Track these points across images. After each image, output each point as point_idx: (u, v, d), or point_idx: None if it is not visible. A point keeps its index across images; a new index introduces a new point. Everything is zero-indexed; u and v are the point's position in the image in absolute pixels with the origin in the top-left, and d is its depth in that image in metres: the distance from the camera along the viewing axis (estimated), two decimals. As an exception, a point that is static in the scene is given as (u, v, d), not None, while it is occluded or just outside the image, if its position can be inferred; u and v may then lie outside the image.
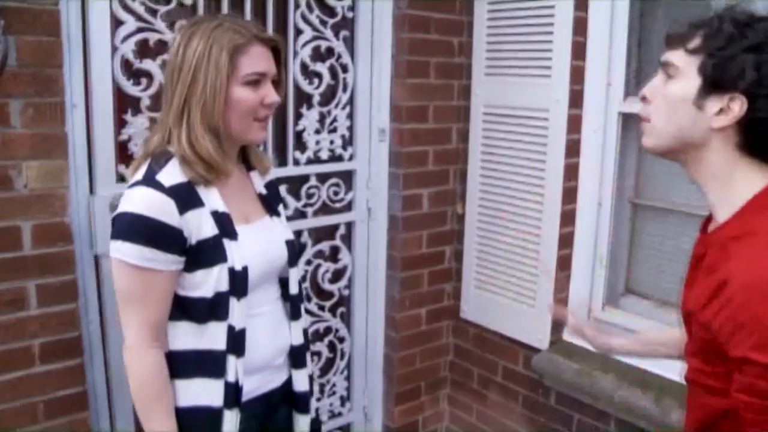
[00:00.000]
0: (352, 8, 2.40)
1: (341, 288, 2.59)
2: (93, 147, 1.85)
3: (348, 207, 2.55)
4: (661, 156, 1.19)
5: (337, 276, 2.57)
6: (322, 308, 2.54)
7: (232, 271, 1.39)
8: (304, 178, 2.40)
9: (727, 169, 1.10)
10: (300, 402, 1.62)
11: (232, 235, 1.41)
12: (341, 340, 2.64)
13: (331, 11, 2.35)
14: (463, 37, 2.59)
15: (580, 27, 2.25)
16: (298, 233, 2.40)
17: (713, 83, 1.07)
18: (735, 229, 1.08)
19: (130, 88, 1.91)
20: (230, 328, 1.41)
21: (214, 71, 1.35)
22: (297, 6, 2.25)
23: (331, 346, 2.61)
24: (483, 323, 2.68)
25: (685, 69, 1.10)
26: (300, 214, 2.41)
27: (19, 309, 1.74)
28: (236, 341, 1.41)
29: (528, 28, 2.37)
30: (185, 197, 1.36)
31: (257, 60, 1.40)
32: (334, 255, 2.56)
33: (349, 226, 2.57)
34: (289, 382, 1.61)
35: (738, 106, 1.05)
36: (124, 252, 1.32)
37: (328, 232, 2.53)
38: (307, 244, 2.45)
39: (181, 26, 1.49)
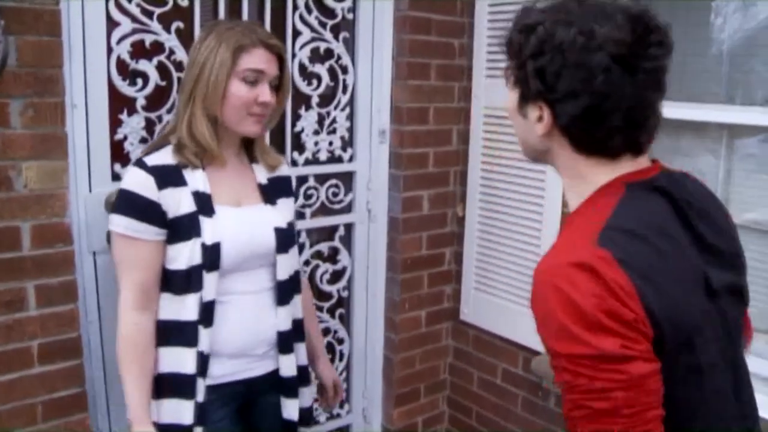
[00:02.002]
0: (352, 10, 2.40)
1: (340, 289, 2.59)
2: (89, 146, 1.86)
3: (348, 208, 2.54)
4: (534, 162, 1.20)
5: (336, 277, 2.57)
6: (320, 309, 2.54)
7: (203, 246, 1.51)
8: (303, 179, 2.40)
9: (574, 169, 1.06)
10: (286, 387, 1.68)
11: (209, 212, 1.54)
12: (340, 341, 2.63)
13: (330, 13, 2.35)
14: (464, 39, 2.59)
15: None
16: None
17: (522, 94, 1.05)
18: (567, 220, 1.07)
19: (126, 89, 1.91)
20: (200, 299, 1.53)
21: (218, 66, 1.52)
22: (296, 7, 2.25)
23: (330, 348, 2.60)
24: (483, 325, 2.67)
25: (509, 80, 1.09)
26: (298, 215, 2.41)
27: (17, 310, 1.73)
28: (204, 312, 1.53)
29: (528, 30, 2.37)
30: (167, 176, 1.52)
31: (257, 59, 1.55)
32: (333, 256, 2.55)
33: (349, 227, 2.57)
34: (278, 372, 1.67)
35: (546, 114, 1.02)
36: (115, 223, 1.51)
37: (328, 233, 2.53)
38: (306, 244, 2.45)
39: (204, 28, 1.65)
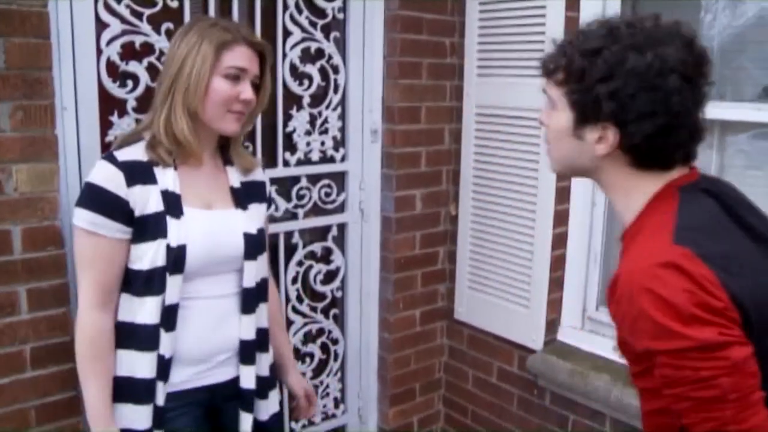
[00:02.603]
0: (342, 9, 2.39)
1: (334, 290, 2.58)
2: (80, 149, 1.84)
3: (340, 208, 2.54)
4: (571, 177, 1.24)
5: (329, 277, 2.56)
6: (314, 310, 2.53)
7: (168, 247, 1.48)
8: (295, 180, 2.39)
9: (625, 184, 1.13)
10: (244, 400, 1.65)
11: (176, 213, 1.51)
12: (334, 341, 2.63)
13: (321, 12, 2.34)
14: (455, 38, 2.59)
15: (571, 27, 2.24)
16: (288, 234, 2.39)
17: (583, 115, 1.09)
18: (633, 229, 1.12)
19: (116, 90, 1.90)
20: (162, 303, 1.50)
21: (200, 61, 1.49)
22: (286, 7, 2.24)
23: (324, 348, 2.60)
24: (477, 324, 2.68)
25: (559, 102, 1.13)
26: (291, 216, 2.40)
27: (9, 314, 1.72)
28: (166, 316, 1.51)
29: (520, 28, 2.37)
30: (137, 172, 1.49)
31: (240, 57, 1.53)
32: (326, 256, 2.55)
33: (342, 227, 2.57)
34: (240, 386, 1.64)
35: (612, 134, 1.07)
36: (78, 216, 1.47)
37: (321, 233, 2.53)
38: (299, 245, 2.44)
39: (184, 24, 1.62)
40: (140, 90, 1.93)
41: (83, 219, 1.47)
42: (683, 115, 1.05)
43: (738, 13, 2.07)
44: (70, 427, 1.85)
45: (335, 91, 2.43)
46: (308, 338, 2.54)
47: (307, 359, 2.54)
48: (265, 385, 1.69)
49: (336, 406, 2.69)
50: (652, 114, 1.04)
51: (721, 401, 0.95)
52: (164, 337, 1.51)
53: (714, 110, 2.04)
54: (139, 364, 1.51)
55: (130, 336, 1.52)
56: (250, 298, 1.63)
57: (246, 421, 1.65)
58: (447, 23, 2.56)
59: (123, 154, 1.50)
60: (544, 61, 1.15)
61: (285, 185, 2.37)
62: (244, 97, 1.54)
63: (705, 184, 1.12)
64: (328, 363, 2.63)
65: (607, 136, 1.08)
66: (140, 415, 1.51)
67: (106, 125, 1.90)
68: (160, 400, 1.52)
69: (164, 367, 1.52)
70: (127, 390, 1.52)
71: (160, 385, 1.51)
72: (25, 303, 1.74)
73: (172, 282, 1.50)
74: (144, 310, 1.50)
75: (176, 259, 1.49)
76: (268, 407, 1.71)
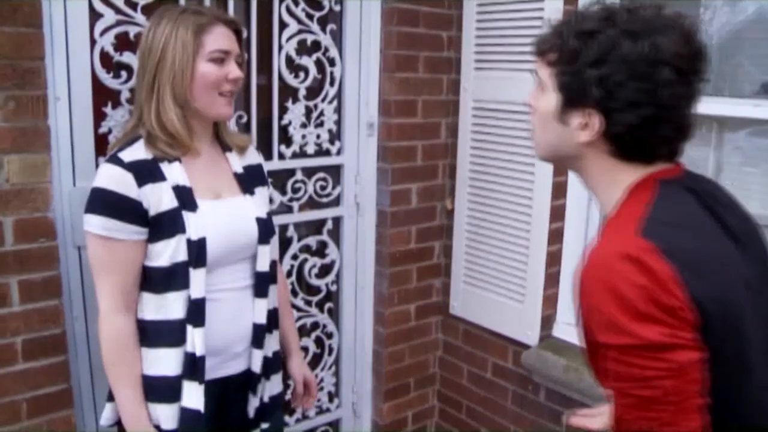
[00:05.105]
0: (339, 1, 2.38)
1: (329, 283, 2.57)
2: (72, 140, 1.83)
3: (336, 202, 2.53)
4: (553, 164, 1.20)
5: (324, 271, 2.55)
6: (309, 303, 2.53)
7: (189, 242, 1.48)
8: (290, 173, 2.38)
9: (608, 174, 1.09)
10: (252, 382, 1.66)
11: (192, 207, 1.50)
12: (329, 335, 2.62)
13: (317, 4, 2.33)
14: (452, 31, 2.58)
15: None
16: (283, 227, 2.38)
17: (569, 99, 1.06)
18: (610, 220, 1.09)
19: (110, 81, 1.88)
20: (189, 298, 1.49)
21: (180, 48, 1.48)
22: (282, -1, 2.23)
23: (319, 342, 2.59)
24: (472, 319, 2.67)
25: (548, 83, 1.10)
26: (286, 209, 2.39)
27: (0, 306, 1.71)
28: (194, 311, 1.50)
29: (517, 22, 2.36)
30: (145, 171, 1.47)
31: (221, 39, 1.53)
32: (321, 250, 2.54)
33: (337, 221, 2.55)
34: (250, 369, 1.65)
35: (597, 121, 1.04)
36: (90, 223, 1.45)
37: (316, 227, 2.52)
38: (293, 238, 2.43)
39: (152, 16, 1.59)
40: (134, 81, 1.91)
41: (96, 225, 1.45)
42: (671, 109, 1.02)
43: (737, 10, 2.07)
44: (61, 419, 1.84)
45: (331, 83, 2.41)
46: (303, 332, 2.53)
47: (302, 353, 2.53)
48: (268, 367, 1.69)
49: (330, 400, 2.69)
50: (638, 104, 1.00)
51: (660, 403, 0.92)
52: (192, 332, 1.49)
53: (712, 106, 2.05)
54: (164, 361, 1.51)
55: (154, 334, 1.51)
56: (264, 282, 1.63)
57: (251, 403, 1.66)
58: (444, 16, 2.54)
59: (127, 155, 1.48)
60: (537, 40, 1.11)
61: (280, 178, 2.36)
62: (233, 77, 1.54)
63: (689, 181, 1.09)
64: (322, 357, 2.62)
65: (592, 122, 1.04)
66: (166, 415, 1.51)
67: (99, 116, 1.88)
68: (188, 400, 1.50)
69: (192, 364, 1.50)
70: (153, 389, 1.51)
71: (187, 383, 1.50)
72: (16, 295, 1.73)
73: (196, 276, 1.49)
74: (165, 307, 1.50)
75: (198, 252, 1.48)
76: (271, 389, 1.71)
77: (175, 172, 1.51)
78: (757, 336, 1.03)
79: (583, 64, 1.02)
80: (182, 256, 1.48)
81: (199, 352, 1.50)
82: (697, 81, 1.05)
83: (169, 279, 1.49)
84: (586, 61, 1.02)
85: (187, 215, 1.49)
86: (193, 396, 1.51)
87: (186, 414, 1.51)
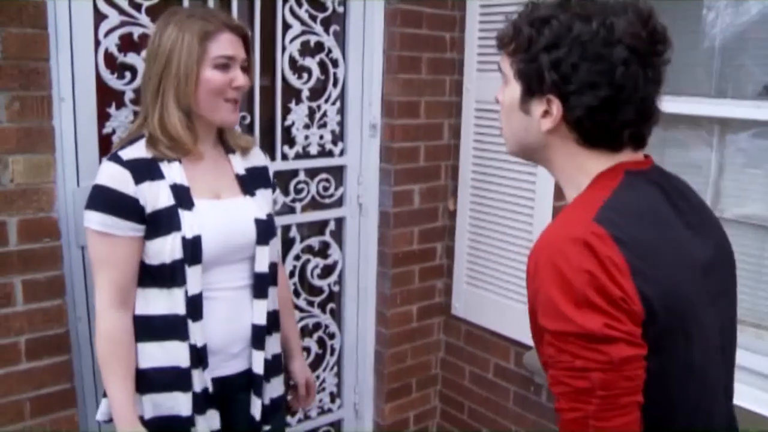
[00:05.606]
0: (342, 3, 2.38)
1: (331, 284, 2.58)
2: (77, 140, 1.84)
3: (338, 202, 2.53)
4: (523, 159, 1.18)
5: (326, 272, 2.56)
6: (311, 304, 2.53)
7: (183, 239, 1.49)
8: (293, 173, 2.38)
9: (573, 162, 1.07)
10: (255, 384, 1.66)
11: (188, 205, 1.52)
12: (331, 336, 2.63)
13: (321, 6, 2.33)
14: (455, 33, 2.58)
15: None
16: (286, 228, 2.39)
17: (528, 88, 1.05)
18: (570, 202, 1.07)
19: (114, 82, 1.89)
20: (186, 294, 1.52)
21: (186, 54, 1.49)
22: (286, 0, 2.23)
23: (321, 343, 2.60)
24: (474, 320, 2.67)
25: (509, 74, 1.08)
26: (289, 209, 2.40)
27: (4, 305, 1.72)
28: (192, 306, 1.52)
29: (520, 23, 2.36)
30: (143, 169, 1.50)
31: (226, 45, 1.54)
32: (323, 251, 2.54)
33: (340, 221, 2.56)
34: (250, 370, 1.66)
35: (556, 107, 1.02)
36: (89, 219, 1.48)
37: (318, 227, 2.52)
38: (296, 239, 2.43)
39: (159, 19, 1.60)
40: (138, 82, 1.91)
41: (94, 221, 1.47)
42: (629, 90, 0.99)
43: (740, 11, 2.07)
44: (65, 419, 1.85)
45: (334, 84, 2.42)
46: (305, 332, 2.53)
47: (304, 354, 2.53)
48: (269, 369, 1.69)
49: (332, 400, 2.69)
50: (595, 85, 0.98)
51: (588, 394, 0.90)
52: (192, 326, 1.53)
53: (714, 108, 2.05)
54: (173, 354, 1.54)
55: (164, 328, 1.54)
56: (263, 283, 1.64)
57: (256, 405, 1.66)
58: (447, 18, 2.55)
59: (126, 153, 1.51)
60: (498, 34, 1.10)
61: (283, 179, 2.36)
62: (237, 84, 1.55)
63: (655, 175, 1.07)
64: (324, 357, 2.62)
65: (552, 109, 1.02)
66: (180, 402, 1.54)
67: (103, 117, 1.89)
68: (198, 387, 1.54)
69: (198, 355, 1.54)
70: (167, 379, 1.54)
71: (195, 373, 1.54)
72: (20, 294, 1.74)
73: (192, 273, 1.51)
74: (172, 302, 1.53)
75: (193, 250, 1.50)
76: (272, 391, 1.72)
77: (174, 172, 1.53)
78: (712, 333, 1.02)
79: (538, 50, 1.01)
80: (179, 253, 1.50)
81: (200, 344, 1.54)
82: (658, 63, 1.02)
83: (172, 276, 1.51)
84: (540, 47, 1.01)
85: (182, 213, 1.51)
86: (198, 381, 1.55)
87: (197, 397, 1.54)
